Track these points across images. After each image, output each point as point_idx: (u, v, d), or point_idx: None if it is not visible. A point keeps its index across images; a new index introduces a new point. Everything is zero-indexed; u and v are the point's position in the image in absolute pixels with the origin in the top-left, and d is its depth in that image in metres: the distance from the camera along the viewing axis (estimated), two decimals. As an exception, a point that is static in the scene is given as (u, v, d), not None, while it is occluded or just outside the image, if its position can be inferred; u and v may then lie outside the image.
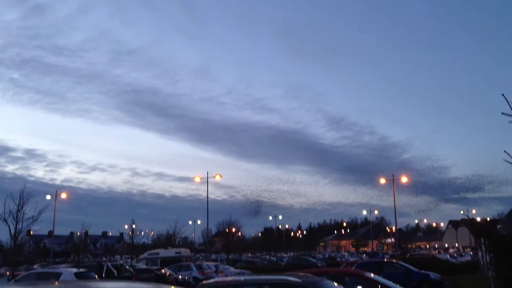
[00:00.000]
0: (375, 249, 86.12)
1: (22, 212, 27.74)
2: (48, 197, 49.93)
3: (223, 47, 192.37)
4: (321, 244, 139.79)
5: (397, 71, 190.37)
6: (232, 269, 37.86)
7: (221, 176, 50.98)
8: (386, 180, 51.22)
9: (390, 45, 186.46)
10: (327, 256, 67.01)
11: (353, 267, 20.56)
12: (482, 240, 24.68)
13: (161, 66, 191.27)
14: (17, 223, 27.70)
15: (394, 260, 26.60)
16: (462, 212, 78.66)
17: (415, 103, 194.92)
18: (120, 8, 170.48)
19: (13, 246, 29.01)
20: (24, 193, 28.29)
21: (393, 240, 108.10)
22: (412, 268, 22.45)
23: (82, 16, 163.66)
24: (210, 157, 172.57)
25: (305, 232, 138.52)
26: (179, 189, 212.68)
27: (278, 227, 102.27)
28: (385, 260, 29.66)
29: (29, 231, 32.95)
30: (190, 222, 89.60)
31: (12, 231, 27.81)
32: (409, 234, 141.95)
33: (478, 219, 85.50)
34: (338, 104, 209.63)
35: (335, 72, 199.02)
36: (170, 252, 41.40)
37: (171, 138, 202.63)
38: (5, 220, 27.43)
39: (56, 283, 4.43)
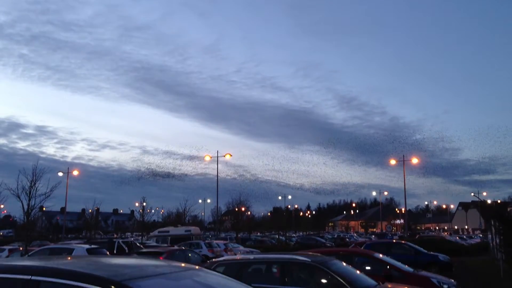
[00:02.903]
0: (384, 230, 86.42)
1: (35, 189, 28.06)
2: (60, 174, 50.58)
3: (233, 25, 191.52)
4: (330, 224, 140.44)
5: (410, 50, 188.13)
6: (241, 247, 38.21)
7: (231, 155, 51.10)
8: (397, 161, 51.02)
9: (403, 24, 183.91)
10: (336, 236, 67.32)
11: (362, 248, 20.63)
12: (492, 222, 24.59)
13: (170, 43, 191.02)
14: (30, 199, 28.02)
15: (403, 241, 26.63)
16: (472, 194, 78.20)
17: (427, 84, 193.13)
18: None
19: (26, 222, 29.40)
20: (37, 170, 28.61)
21: (402, 221, 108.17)
22: (421, 249, 22.46)
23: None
24: (219, 136, 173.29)
25: (314, 212, 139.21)
26: (188, 167, 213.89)
27: (287, 207, 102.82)
28: (394, 241, 29.69)
29: (41, 207, 33.39)
30: (200, 201, 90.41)
31: (25, 207, 28.16)
32: (418, 216, 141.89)
33: (489, 201, 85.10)
34: (349, 83, 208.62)
35: (346, 51, 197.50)
36: (180, 230, 41.83)
37: (180, 116, 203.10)
38: (18, 196, 27.77)
39: (69, 258, 4.48)
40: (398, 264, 12.27)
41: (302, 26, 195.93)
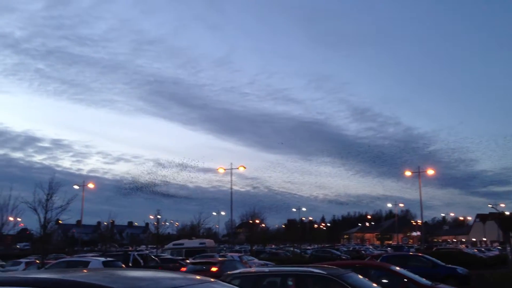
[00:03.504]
0: (400, 243, 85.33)
1: (51, 202, 28.38)
2: (75, 187, 51.07)
3: (245, 37, 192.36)
4: (345, 236, 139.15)
5: (423, 61, 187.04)
6: (256, 260, 38.03)
7: (244, 167, 51.15)
8: (412, 172, 50.55)
9: (415, 35, 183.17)
10: (351, 248, 66.70)
11: (378, 260, 20.39)
12: (511, 234, 24.17)
13: (182, 56, 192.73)
14: (46, 212, 28.35)
15: (420, 254, 26.27)
16: (490, 205, 77.06)
17: (441, 94, 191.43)
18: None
19: (43, 235, 29.71)
20: (53, 183, 28.94)
21: (418, 233, 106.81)
22: (439, 262, 22.13)
23: (104, 5, 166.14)
24: (233, 148, 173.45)
25: (328, 224, 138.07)
26: (203, 180, 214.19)
27: (302, 219, 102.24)
28: (411, 253, 29.31)
29: (57, 220, 33.76)
30: (214, 213, 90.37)
31: (42, 220, 28.48)
32: (435, 228, 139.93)
33: (507, 213, 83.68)
34: (362, 95, 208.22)
35: (359, 62, 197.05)
36: (194, 242, 41.83)
37: (194, 129, 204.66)
38: (35, 209, 28.11)
39: (86, 270, 4.51)
40: (416, 277, 12.10)
41: (314, 38, 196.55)
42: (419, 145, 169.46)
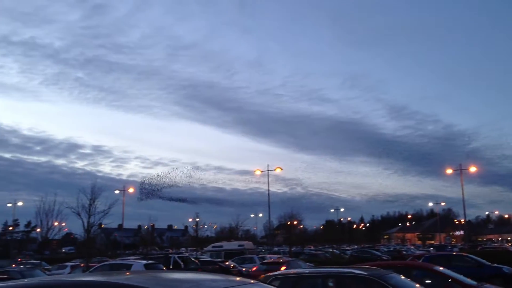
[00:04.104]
0: (442, 242, 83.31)
1: (94, 206, 29.14)
2: (116, 191, 52.25)
3: (277, 39, 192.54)
4: (385, 236, 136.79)
5: (461, 55, 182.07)
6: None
7: (281, 169, 51.06)
8: (453, 170, 49.27)
9: (453, 28, 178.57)
10: (391, 249, 65.50)
11: (420, 260, 19.96)
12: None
13: (216, 60, 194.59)
14: (89, 216, 29.13)
15: (464, 253, 25.55)
16: (537, 202, 74.14)
17: (481, 89, 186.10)
18: (175, 5, 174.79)
19: (87, 238, 30.53)
20: (95, 188, 29.73)
21: (461, 232, 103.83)
22: (484, 261, 21.47)
23: (139, 14, 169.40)
24: (268, 150, 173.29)
25: (367, 225, 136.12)
26: (239, 182, 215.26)
27: (340, 219, 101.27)
28: (454, 253, 28.54)
29: (100, 224, 34.59)
30: (252, 215, 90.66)
31: (85, 224, 29.28)
32: (479, 226, 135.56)
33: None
34: (398, 93, 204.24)
35: (395, 59, 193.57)
36: (233, 244, 42.04)
37: (229, 132, 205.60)
38: (79, 214, 28.94)
39: (130, 273, 4.62)
40: (460, 277, 11.77)
41: (347, 36, 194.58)
42: (460, 142, 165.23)
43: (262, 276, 9.70)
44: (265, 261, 28.82)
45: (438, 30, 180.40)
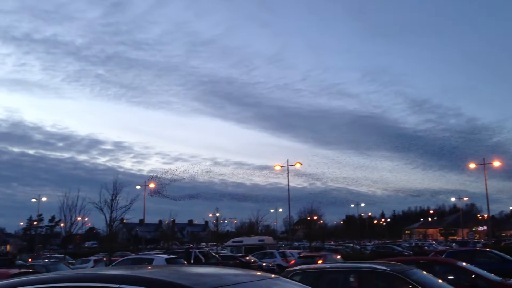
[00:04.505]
0: (465, 238, 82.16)
1: (116, 202, 29.52)
2: (137, 187, 52.82)
3: (296, 33, 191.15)
4: (406, 232, 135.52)
5: (483, 47, 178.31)
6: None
7: (301, 164, 50.91)
8: (476, 164, 48.50)
9: (474, 20, 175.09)
10: (413, 244, 64.91)
11: (443, 256, 19.71)
12: None
13: (235, 55, 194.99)
14: (111, 212, 29.53)
15: (487, 249, 25.15)
16: None
17: (506, 82, 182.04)
18: (193, 0, 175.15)
19: (109, 233, 30.95)
20: (117, 184, 30.11)
21: (485, 228, 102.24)
22: (508, 257, 21.10)
23: (158, 10, 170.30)
24: (288, 145, 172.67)
25: (388, 220, 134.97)
26: (259, 177, 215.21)
27: (361, 214, 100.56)
28: (477, 248, 28.12)
29: (122, 219, 35.07)
30: (272, 210, 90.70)
31: (108, 219, 29.70)
32: (503, 222, 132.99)
33: None
34: (419, 86, 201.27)
35: (415, 52, 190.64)
36: (253, 240, 42.18)
37: (248, 127, 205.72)
38: (101, 209, 29.35)
39: (153, 267, 4.67)
40: (484, 273, 11.59)
41: (367, 30, 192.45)
42: (483, 136, 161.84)
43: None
44: (302, 254, 30.21)
45: (460, 22, 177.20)
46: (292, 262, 27.08)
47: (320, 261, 22.89)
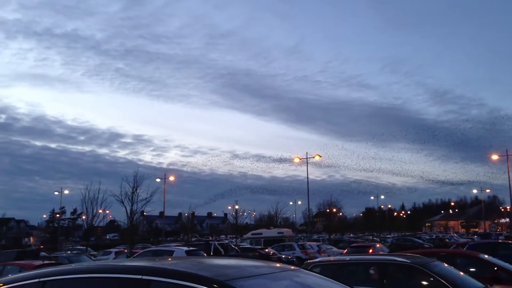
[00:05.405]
0: (487, 230, 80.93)
1: (136, 194, 29.84)
2: (157, 180, 53.30)
3: (315, 24, 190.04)
4: (427, 224, 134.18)
5: (505, 37, 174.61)
6: (334, 249, 37.75)
7: (320, 156, 50.72)
8: (499, 156, 47.69)
9: (498, 9, 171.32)
10: (434, 237, 64.26)
11: (465, 248, 19.47)
12: None
13: (254, 47, 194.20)
14: (132, 204, 29.86)
15: (510, 241, 24.75)
16: None
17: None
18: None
19: (130, 225, 31.31)
20: (137, 177, 30.41)
21: (507, 220, 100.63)
22: (532, 249, 20.72)
23: (177, 3, 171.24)
24: (307, 137, 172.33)
25: (409, 212, 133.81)
26: (278, 170, 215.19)
27: (380, 207, 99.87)
28: (500, 241, 27.69)
29: (142, 212, 35.45)
30: (291, 203, 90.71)
31: (128, 212, 30.04)
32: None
33: None
34: (441, 77, 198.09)
35: (436, 42, 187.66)
36: (272, 232, 42.25)
37: (267, 120, 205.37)
38: (122, 202, 29.71)
39: (174, 259, 4.72)
40: (507, 265, 11.41)
41: (387, 20, 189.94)
42: (506, 126, 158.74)
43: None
44: (354, 244, 32.32)
45: (482, 11, 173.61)
46: (345, 251, 28.53)
47: (370, 251, 25.41)
